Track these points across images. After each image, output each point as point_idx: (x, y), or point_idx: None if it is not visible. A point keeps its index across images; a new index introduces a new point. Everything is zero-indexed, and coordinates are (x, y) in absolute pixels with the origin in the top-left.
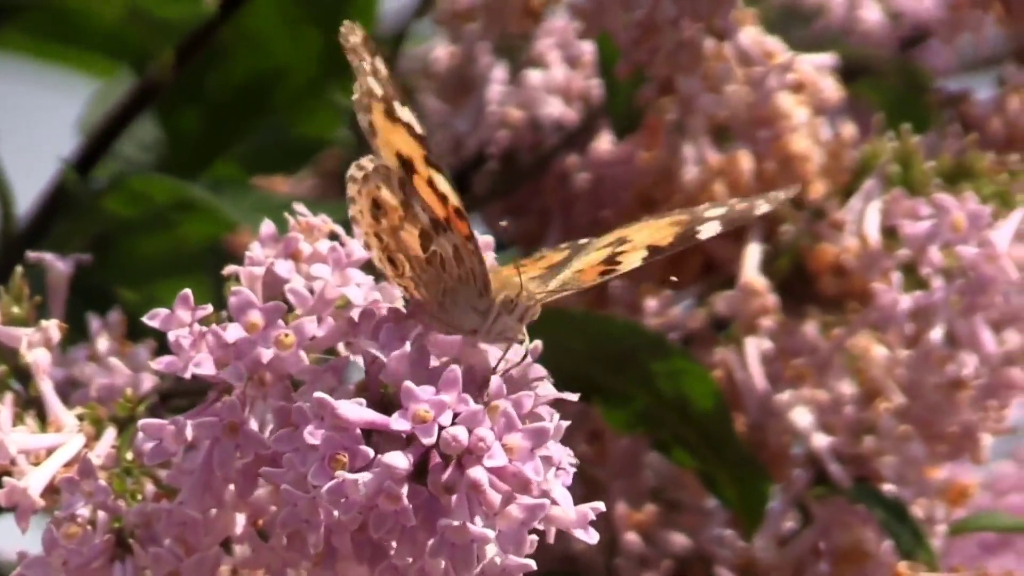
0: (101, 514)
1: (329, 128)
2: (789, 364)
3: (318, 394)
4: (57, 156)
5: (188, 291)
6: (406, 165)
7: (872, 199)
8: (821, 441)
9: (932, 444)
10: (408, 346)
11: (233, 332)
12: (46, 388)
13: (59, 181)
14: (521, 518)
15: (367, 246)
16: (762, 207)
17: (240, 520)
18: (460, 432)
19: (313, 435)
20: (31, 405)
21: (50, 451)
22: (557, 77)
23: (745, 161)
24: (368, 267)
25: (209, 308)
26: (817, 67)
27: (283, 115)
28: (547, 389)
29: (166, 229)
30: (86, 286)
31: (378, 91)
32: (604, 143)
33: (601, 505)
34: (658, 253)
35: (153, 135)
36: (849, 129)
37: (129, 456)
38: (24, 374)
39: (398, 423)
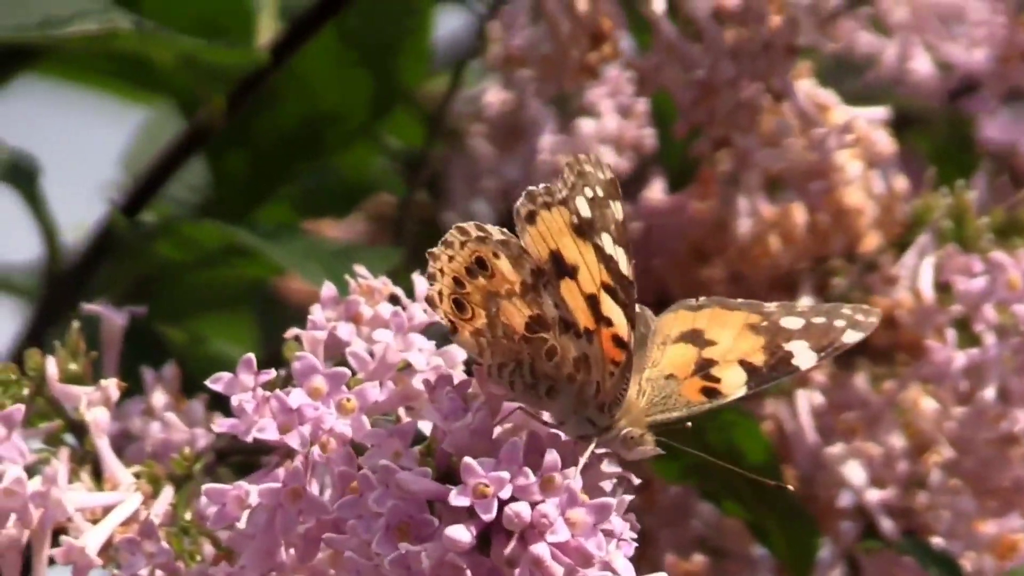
0: (159, 574)
1: (377, 171)
2: (840, 417)
3: (384, 462)
4: (101, 189)
5: (251, 356)
6: (560, 266)
7: (926, 254)
8: (871, 495)
9: (983, 499)
10: (470, 416)
11: (296, 398)
12: (103, 446)
13: (106, 221)
14: None
15: (431, 277)
16: (850, 334)
17: None
18: (523, 509)
19: (378, 503)
20: (86, 460)
21: (106, 509)
22: (609, 126)
23: (799, 214)
24: (429, 332)
25: (272, 373)
26: (870, 120)
27: (332, 158)
28: (613, 466)
29: (212, 271)
30: (132, 325)
31: (584, 211)
32: (656, 192)
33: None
34: (757, 377)
35: (200, 176)
36: (902, 182)
37: (187, 516)
38: (79, 428)
39: (457, 499)
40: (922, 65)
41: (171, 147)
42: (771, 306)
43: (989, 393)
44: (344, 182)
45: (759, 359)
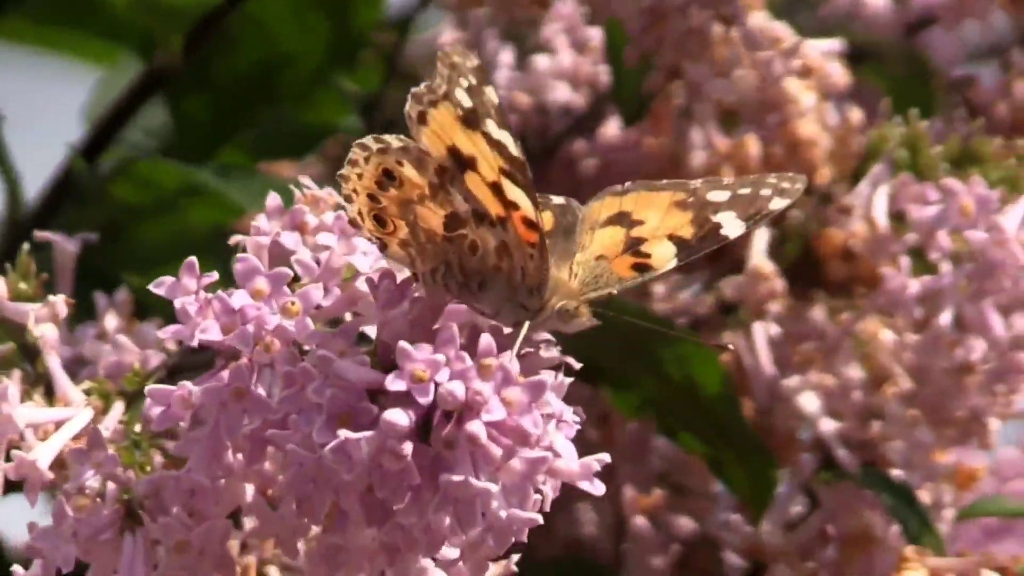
0: (110, 486)
1: (335, 115)
2: (797, 349)
3: (321, 351)
4: (63, 143)
5: (194, 259)
6: (459, 160)
7: (880, 184)
8: (829, 426)
9: (940, 429)
10: (407, 304)
11: (239, 298)
12: (53, 363)
13: (66, 167)
14: (523, 471)
15: (347, 199)
16: (776, 201)
17: (249, 490)
18: (457, 388)
19: (318, 393)
20: (39, 382)
21: (58, 425)
22: (564, 62)
23: (753, 146)
24: None
25: (215, 275)
26: (824, 52)
27: (290, 103)
28: (551, 351)
29: (173, 215)
30: (93, 271)
31: (465, 103)
32: (611, 128)
33: (606, 456)
34: (686, 249)
35: (159, 121)
36: (856, 114)
37: (138, 429)
38: (31, 352)
39: (394, 383)
40: None
41: (129, 91)
42: (696, 183)
43: (944, 319)
44: (300, 125)
45: (688, 232)
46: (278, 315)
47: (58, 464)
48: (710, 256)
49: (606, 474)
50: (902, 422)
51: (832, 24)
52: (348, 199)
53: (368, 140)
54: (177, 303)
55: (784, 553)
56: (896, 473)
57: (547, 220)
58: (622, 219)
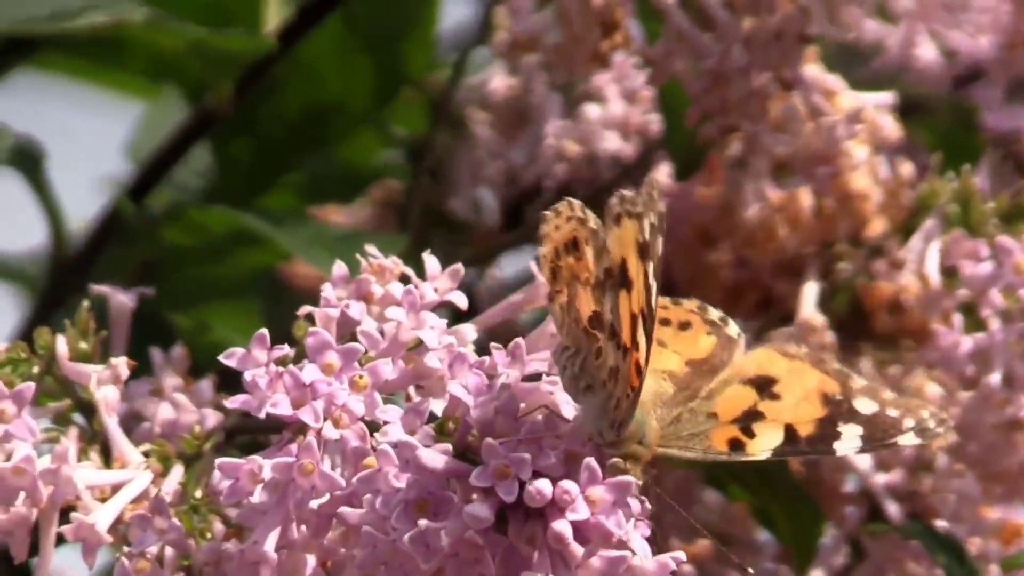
0: (168, 551)
1: (381, 157)
2: None
3: (404, 437)
4: (107, 178)
5: (264, 332)
6: (624, 277)
7: (932, 239)
8: (878, 478)
9: (988, 484)
10: (497, 393)
11: (310, 373)
12: (112, 424)
13: (112, 206)
14: (602, 570)
15: (543, 238)
16: (907, 437)
17: (311, 561)
18: (545, 486)
19: (398, 479)
20: (94, 440)
21: (115, 487)
22: (615, 112)
23: (805, 198)
24: (440, 311)
25: (286, 348)
26: (877, 106)
27: (336, 146)
28: None
29: (219, 257)
30: (138, 311)
31: (647, 235)
32: (662, 177)
33: (682, 555)
34: (791, 445)
35: (204, 162)
36: (907, 168)
37: (197, 494)
38: (87, 408)
39: (479, 479)
40: (927, 52)
41: (177, 133)
42: (860, 382)
43: (995, 378)
44: (347, 169)
45: (806, 430)
46: (347, 390)
47: (114, 525)
48: (760, 306)
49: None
50: (950, 475)
51: (883, 77)
52: (543, 238)
53: (576, 203)
54: (247, 375)
55: None
56: (942, 525)
57: (706, 348)
58: (763, 386)
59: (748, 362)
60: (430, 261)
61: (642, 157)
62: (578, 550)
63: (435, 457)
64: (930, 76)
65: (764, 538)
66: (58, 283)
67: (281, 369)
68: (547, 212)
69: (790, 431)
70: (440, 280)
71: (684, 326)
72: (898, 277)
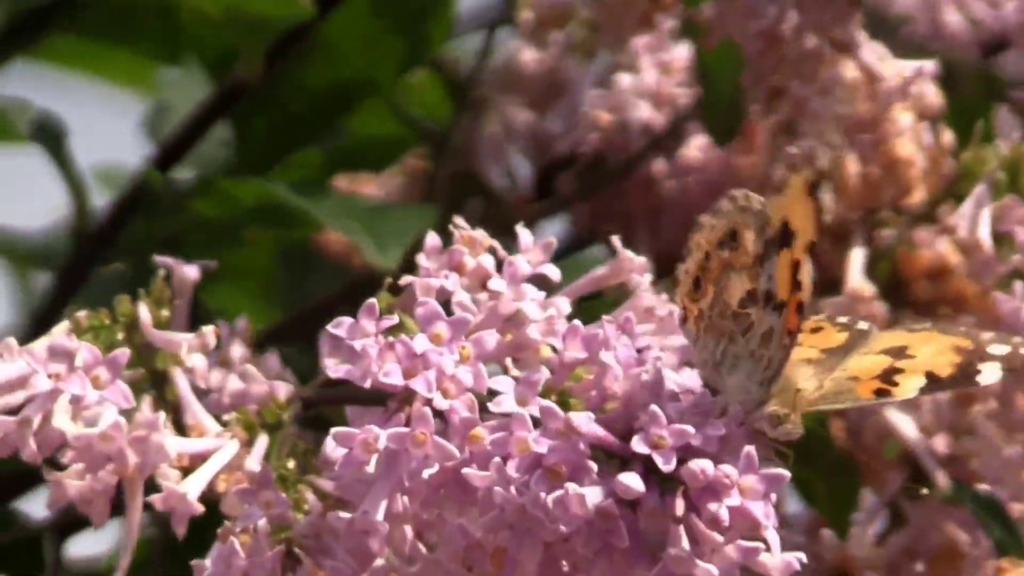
0: (262, 522)
1: (400, 130)
2: None
3: (547, 403)
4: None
5: (374, 301)
6: (785, 235)
7: (983, 205)
8: (922, 443)
9: None
10: (650, 366)
11: (421, 343)
12: (189, 394)
13: (137, 180)
14: (737, 559)
15: (688, 249)
16: None
17: (408, 533)
18: (707, 466)
19: (538, 442)
20: (166, 411)
21: (196, 457)
22: (648, 81)
23: (852, 165)
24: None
25: (395, 318)
26: (921, 74)
27: (356, 122)
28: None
29: (243, 231)
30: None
31: (822, 163)
32: (693, 149)
33: (803, 556)
34: (935, 385)
35: (222, 133)
36: (948, 136)
37: (290, 464)
38: (159, 379)
39: (639, 447)
40: (952, 18)
41: (204, 105)
42: (989, 335)
43: None
44: (374, 138)
45: (945, 372)
46: (456, 360)
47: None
48: None
49: None
50: (992, 439)
51: (912, 46)
52: (688, 250)
53: (740, 193)
54: (356, 345)
55: (873, 567)
56: (983, 488)
57: (840, 339)
58: (897, 352)
59: (878, 342)
60: (523, 234)
61: (672, 127)
62: (719, 538)
63: (588, 422)
64: (959, 43)
65: (792, 511)
66: (82, 258)
67: (392, 339)
68: (702, 218)
69: (930, 376)
70: (532, 252)
71: (816, 330)
72: (938, 244)
